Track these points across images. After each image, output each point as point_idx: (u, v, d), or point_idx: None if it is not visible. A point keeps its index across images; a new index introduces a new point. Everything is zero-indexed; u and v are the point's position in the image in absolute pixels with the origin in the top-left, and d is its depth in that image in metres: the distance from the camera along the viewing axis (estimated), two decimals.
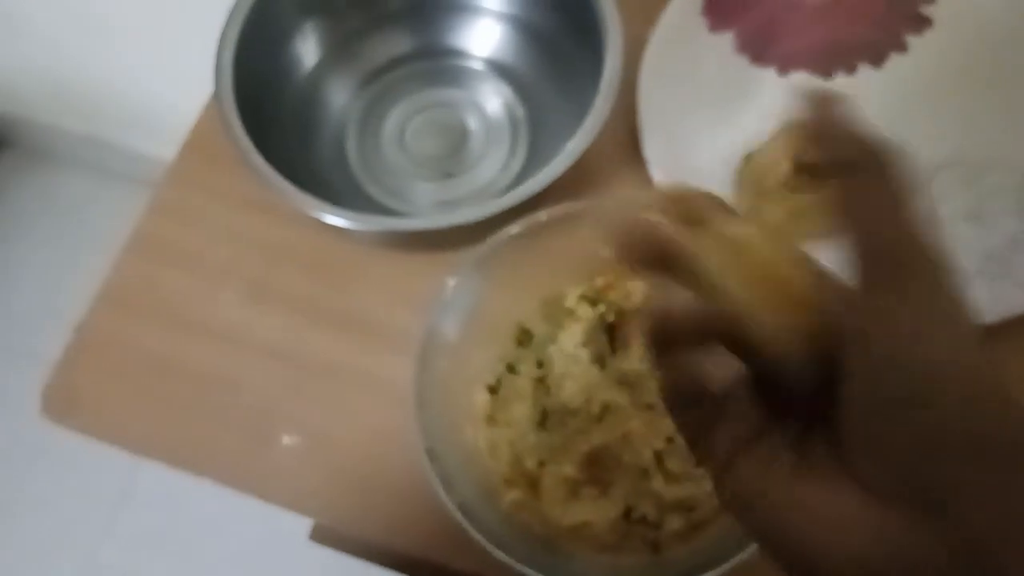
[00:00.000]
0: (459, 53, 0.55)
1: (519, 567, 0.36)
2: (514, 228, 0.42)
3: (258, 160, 0.45)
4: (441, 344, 0.41)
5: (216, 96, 0.47)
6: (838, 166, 0.22)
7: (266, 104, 0.50)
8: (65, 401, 0.50)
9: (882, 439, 0.19)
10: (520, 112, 0.53)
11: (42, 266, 1.34)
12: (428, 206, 0.52)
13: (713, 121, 0.52)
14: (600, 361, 0.43)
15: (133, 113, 1.17)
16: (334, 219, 0.44)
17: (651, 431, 0.41)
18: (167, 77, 0.97)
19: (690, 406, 0.23)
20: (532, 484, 0.42)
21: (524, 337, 0.45)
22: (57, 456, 1.18)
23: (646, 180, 0.50)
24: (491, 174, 0.53)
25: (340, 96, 0.54)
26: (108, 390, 0.50)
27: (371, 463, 0.47)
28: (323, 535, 0.61)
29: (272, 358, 0.50)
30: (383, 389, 0.48)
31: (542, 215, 0.42)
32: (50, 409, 0.50)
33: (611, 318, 0.44)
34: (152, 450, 0.48)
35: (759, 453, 0.21)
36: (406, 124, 0.54)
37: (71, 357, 0.51)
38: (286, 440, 0.48)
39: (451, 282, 0.41)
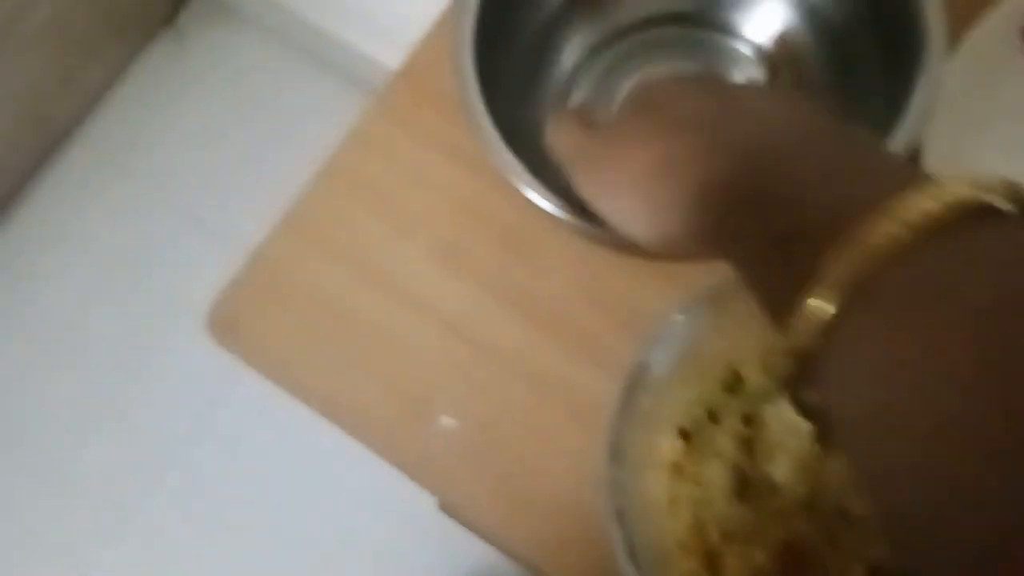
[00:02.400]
0: (725, 28, 0.48)
1: None
2: None
3: (486, 123, 0.40)
4: (646, 383, 0.36)
5: (452, 35, 0.42)
6: None
7: (500, 49, 0.45)
8: (230, 323, 0.48)
9: None
10: None
11: (204, 123, 1.34)
12: None
13: (1009, 159, 0.45)
14: (824, 440, 0.38)
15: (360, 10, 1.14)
16: (548, 206, 0.39)
17: (867, 542, 0.35)
18: None
19: None
20: (711, 559, 0.37)
21: (734, 383, 0.40)
22: None
23: None
24: None
25: (578, 50, 0.48)
26: (275, 320, 0.48)
27: (530, 470, 0.44)
28: (454, 510, 0.59)
29: (448, 330, 0.46)
30: (561, 394, 0.44)
31: None
32: (214, 327, 0.48)
33: None
34: (311, 398, 0.46)
35: None
36: None
37: (245, 278, 0.49)
38: (444, 421, 0.45)
39: (676, 318, 0.36)
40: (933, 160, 0.43)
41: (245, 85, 1.35)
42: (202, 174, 1.30)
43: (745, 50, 0.47)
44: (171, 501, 1.13)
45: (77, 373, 1.20)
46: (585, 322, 0.45)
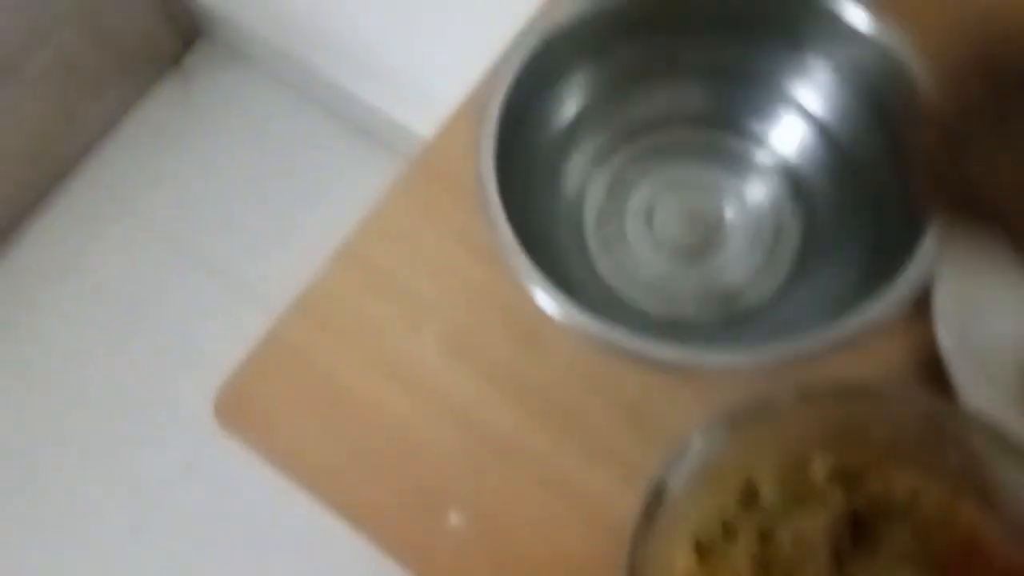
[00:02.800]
0: (743, 134, 0.48)
1: None
2: (785, 396, 0.36)
3: (503, 226, 0.41)
4: (665, 502, 0.36)
5: (476, 131, 0.42)
6: None
7: (521, 145, 0.45)
8: (238, 407, 0.48)
9: None
10: (791, 224, 0.47)
11: (211, 166, 1.34)
12: (654, 299, 0.47)
13: (1020, 286, 0.45)
14: (837, 560, 0.37)
15: (362, 59, 1.14)
16: (551, 307, 0.39)
17: None
18: (426, 52, 0.93)
19: None
20: None
21: (750, 497, 0.39)
22: None
23: (926, 333, 0.43)
24: (736, 283, 0.46)
25: (594, 148, 0.49)
26: (282, 406, 0.47)
27: (536, 573, 0.43)
28: None
29: (460, 423, 0.46)
30: (571, 497, 0.44)
31: (820, 388, 0.36)
32: (222, 414, 0.47)
33: (860, 510, 0.38)
34: (320, 488, 0.46)
35: None
36: (657, 197, 0.48)
37: (255, 361, 0.48)
38: (454, 519, 0.44)
39: (695, 438, 0.36)
40: (941, 307, 0.42)
41: (251, 130, 1.35)
42: (205, 217, 1.30)
43: (762, 157, 0.48)
44: (158, 541, 1.12)
45: (72, 410, 1.19)
46: (599, 424, 0.45)
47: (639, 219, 0.48)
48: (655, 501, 0.36)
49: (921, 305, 0.43)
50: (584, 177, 0.48)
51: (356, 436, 0.46)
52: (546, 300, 0.39)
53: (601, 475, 0.44)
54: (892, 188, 0.42)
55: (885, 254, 0.39)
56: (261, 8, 1.23)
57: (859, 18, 0.41)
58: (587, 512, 0.43)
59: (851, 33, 0.42)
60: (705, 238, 0.47)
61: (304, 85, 1.31)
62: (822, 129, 0.46)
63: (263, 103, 1.36)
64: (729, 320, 0.46)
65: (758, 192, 0.47)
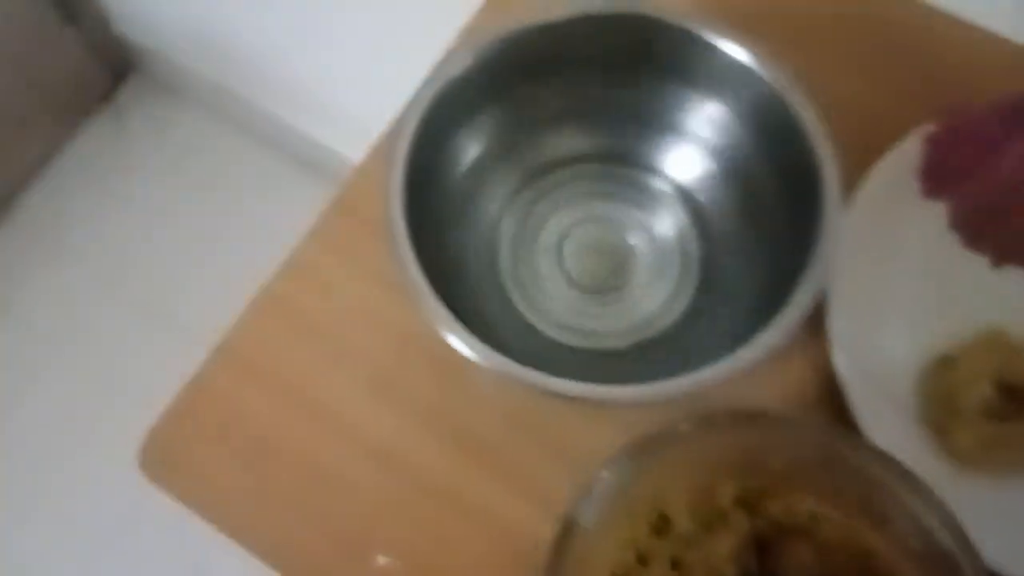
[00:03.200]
0: (642, 166, 0.50)
1: None
2: (684, 426, 0.37)
3: (413, 269, 0.41)
4: (577, 535, 0.37)
5: (386, 175, 0.43)
6: None
7: (430, 186, 0.46)
8: (162, 457, 0.48)
9: None
10: (694, 249, 0.49)
11: (147, 199, 1.33)
12: (570, 330, 0.48)
13: (912, 308, 0.47)
14: None
15: (289, 87, 1.15)
16: (464, 349, 0.40)
17: None
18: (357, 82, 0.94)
19: None
20: None
21: (662, 526, 0.41)
22: None
23: (823, 358, 0.45)
24: (647, 312, 0.48)
25: (503, 187, 0.50)
26: (206, 455, 0.48)
27: None
28: None
29: (384, 464, 0.47)
30: (497, 533, 0.45)
31: (717, 416, 0.37)
32: (147, 465, 0.47)
33: (765, 531, 0.39)
34: (237, 531, 0.46)
35: None
36: (566, 233, 0.50)
37: (178, 411, 0.48)
38: (381, 560, 0.45)
39: (603, 475, 0.37)
40: (837, 332, 0.44)
41: (186, 164, 1.35)
42: (138, 254, 1.29)
43: (665, 187, 0.49)
44: None
45: (9, 459, 1.17)
46: (522, 458, 0.46)
47: (550, 255, 0.49)
48: (565, 535, 0.37)
49: (818, 329, 0.45)
50: (496, 216, 0.50)
51: (282, 481, 0.47)
52: (458, 342, 0.40)
53: (524, 509, 0.45)
54: (782, 212, 0.44)
55: (780, 278, 0.41)
56: (191, 41, 1.23)
57: (741, 55, 0.43)
58: (512, 546, 0.44)
59: (735, 69, 0.44)
60: (614, 270, 0.49)
61: (238, 116, 1.31)
62: (717, 158, 0.48)
63: (197, 136, 1.36)
64: (642, 347, 0.48)
65: (663, 223, 0.49)
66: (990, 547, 0.34)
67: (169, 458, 0.48)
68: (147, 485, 0.47)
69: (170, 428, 0.48)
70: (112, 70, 1.39)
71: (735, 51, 0.43)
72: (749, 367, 0.39)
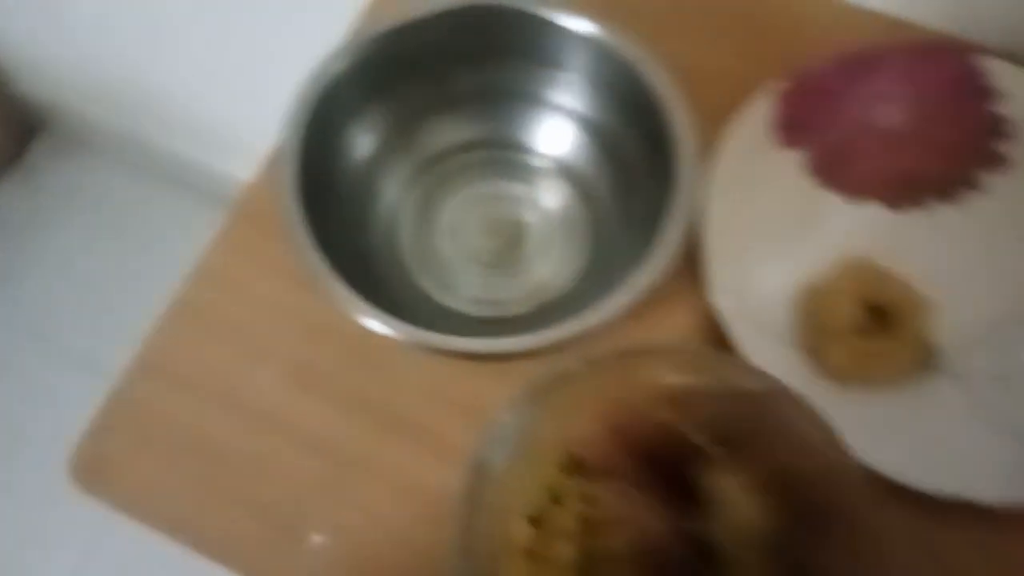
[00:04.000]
0: (523, 147, 0.54)
1: None
2: (575, 365, 0.41)
3: (313, 256, 0.44)
4: (488, 479, 0.40)
5: (278, 177, 0.46)
6: None
7: (325, 184, 0.49)
8: (93, 468, 0.49)
9: None
10: (580, 215, 0.52)
11: (65, 255, 1.33)
12: (476, 303, 0.51)
13: (777, 245, 0.51)
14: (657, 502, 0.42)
15: (195, 126, 1.17)
16: (376, 325, 0.43)
17: None
18: (239, 104, 0.96)
19: None
20: None
21: (573, 465, 0.44)
22: None
23: (704, 300, 0.49)
24: (544, 277, 0.52)
25: (397, 181, 0.53)
26: (138, 462, 0.49)
27: (398, 574, 0.46)
28: None
29: (307, 448, 0.49)
30: (420, 497, 0.47)
31: (604, 351, 0.41)
32: (78, 474, 0.49)
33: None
34: (179, 532, 0.48)
35: None
36: (462, 215, 0.53)
37: (104, 423, 0.50)
38: (315, 539, 0.47)
39: (504, 417, 0.40)
40: (714, 277, 0.48)
41: (103, 214, 1.35)
42: (62, 303, 1.29)
43: (540, 163, 0.53)
44: None
45: None
46: (438, 424, 0.49)
47: (447, 236, 0.52)
48: (474, 480, 0.39)
49: (697, 275, 0.49)
50: (394, 205, 0.53)
51: (213, 477, 0.49)
52: (368, 320, 0.42)
53: (446, 471, 0.47)
54: (649, 170, 0.48)
55: (655, 230, 0.45)
56: (96, 94, 1.24)
57: (595, 34, 0.47)
58: (437, 508, 0.47)
59: (590, 47, 0.48)
60: (510, 243, 0.52)
61: (148, 163, 1.32)
62: (586, 130, 0.52)
63: (108, 185, 1.36)
64: (544, 309, 0.51)
65: (548, 195, 0.53)
66: (867, 453, 0.38)
67: (99, 469, 0.49)
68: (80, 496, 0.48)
69: (97, 440, 0.50)
70: (19, 131, 1.39)
71: (589, 30, 0.47)
72: (628, 307, 0.42)
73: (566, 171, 0.53)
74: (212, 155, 1.20)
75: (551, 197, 0.53)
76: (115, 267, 1.30)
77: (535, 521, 0.43)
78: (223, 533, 0.48)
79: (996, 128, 0.54)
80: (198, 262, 0.53)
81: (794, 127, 0.54)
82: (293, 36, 0.75)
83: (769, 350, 0.48)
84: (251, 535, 0.47)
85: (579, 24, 0.47)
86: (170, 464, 0.49)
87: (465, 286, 0.52)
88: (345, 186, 0.51)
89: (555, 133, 0.53)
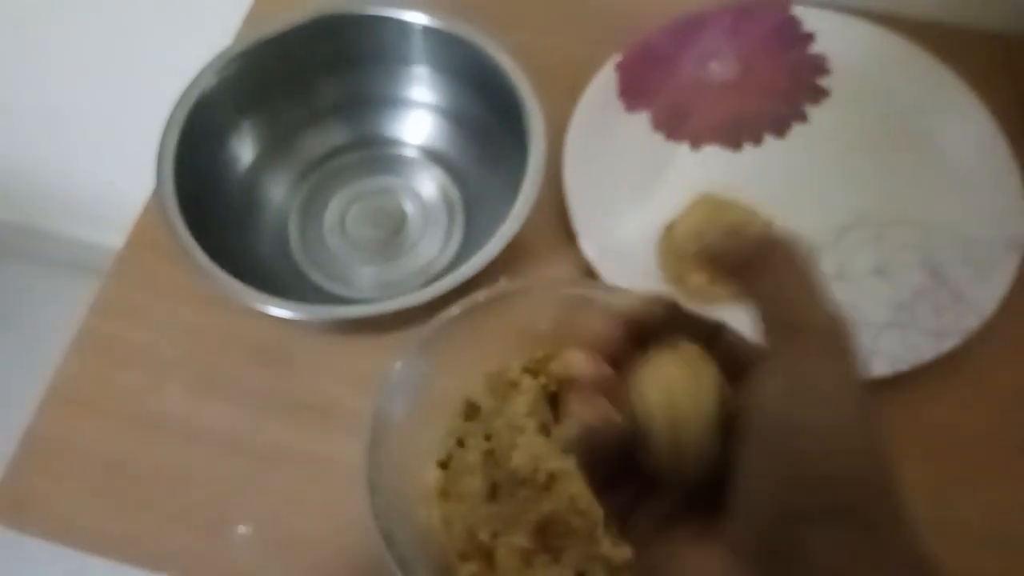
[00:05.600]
0: (393, 142, 0.58)
1: None
2: (455, 310, 0.44)
3: (201, 256, 0.47)
4: (390, 426, 0.43)
5: (157, 194, 0.48)
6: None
7: (208, 200, 0.52)
8: (18, 505, 0.50)
9: (750, 501, 0.21)
10: (455, 195, 0.56)
11: None
12: (371, 289, 0.54)
13: (636, 195, 0.56)
14: (545, 430, 0.45)
15: (70, 201, 1.18)
16: (276, 310, 0.46)
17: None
18: (110, 172, 0.98)
19: (612, 485, 0.26)
20: (487, 557, 0.43)
21: (471, 411, 0.47)
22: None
23: (577, 253, 0.53)
24: (430, 255, 0.55)
25: (280, 189, 0.56)
26: (61, 491, 0.50)
27: (327, 548, 0.48)
28: None
29: (222, 448, 0.51)
30: (336, 472, 0.49)
31: (480, 296, 0.44)
32: (4, 513, 0.49)
33: (553, 388, 0.46)
34: (105, 549, 0.48)
35: (669, 534, 0.24)
36: (346, 212, 0.56)
37: (22, 460, 0.51)
38: (241, 530, 0.49)
39: (397, 365, 0.43)
40: (581, 228, 0.53)
41: None
42: None
43: (411, 153, 0.57)
44: None
45: None
46: (340, 402, 0.51)
47: (335, 232, 0.55)
48: (379, 424, 0.42)
49: (568, 231, 0.53)
50: (281, 210, 0.56)
51: (134, 493, 0.50)
52: (274, 310, 0.45)
53: (358, 444, 0.49)
54: (507, 145, 0.52)
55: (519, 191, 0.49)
56: None
57: (434, 23, 0.52)
58: (350, 480, 0.48)
59: (443, 42, 0.52)
60: (393, 231, 0.55)
61: (40, 250, 1.32)
62: (448, 118, 0.56)
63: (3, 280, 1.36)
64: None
65: (423, 183, 0.56)
66: None
67: (22, 504, 0.50)
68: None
69: (18, 477, 0.50)
70: None
71: (431, 23, 0.52)
72: (496, 256, 0.46)
73: (435, 157, 0.57)
74: (90, 230, 1.21)
75: (425, 183, 0.57)
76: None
77: (445, 465, 0.45)
78: (153, 543, 0.49)
79: (815, 66, 0.60)
80: (96, 295, 0.55)
81: (634, 93, 0.59)
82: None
83: (637, 287, 0.52)
84: (177, 538, 0.49)
85: (421, 19, 0.52)
86: (91, 488, 0.50)
87: (356, 276, 0.55)
88: (232, 198, 0.54)
89: (418, 124, 0.57)
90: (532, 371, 0.47)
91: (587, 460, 0.25)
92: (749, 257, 0.24)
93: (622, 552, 0.42)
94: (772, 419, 0.21)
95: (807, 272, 0.23)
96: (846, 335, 0.22)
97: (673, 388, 0.24)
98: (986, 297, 0.50)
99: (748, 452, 0.22)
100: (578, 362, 0.27)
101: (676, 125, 0.59)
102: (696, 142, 0.58)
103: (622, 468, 0.25)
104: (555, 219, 0.54)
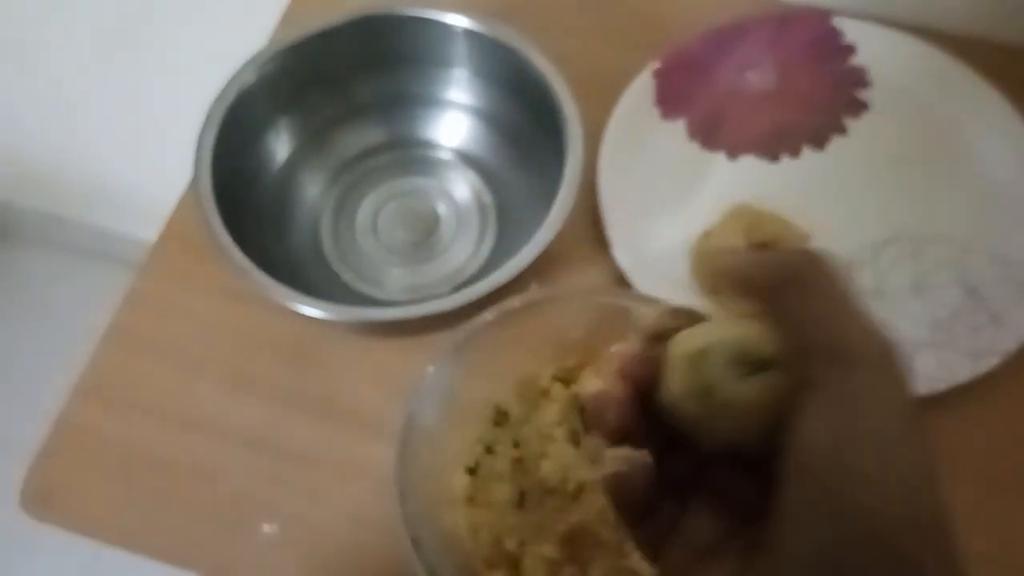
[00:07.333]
0: (428, 144, 0.57)
1: None
2: (488, 315, 0.44)
3: (236, 254, 0.47)
4: (420, 431, 0.42)
5: (195, 191, 0.48)
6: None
7: (243, 197, 0.52)
8: (44, 496, 0.50)
9: (796, 546, 0.20)
10: (488, 199, 0.56)
11: (8, 349, 1.33)
12: (401, 291, 0.54)
13: (670, 203, 0.55)
14: (575, 439, 0.45)
15: (105, 194, 1.18)
16: (310, 310, 0.46)
17: None
18: (143, 164, 0.99)
19: (643, 518, 0.25)
20: (513, 565, 0.43)
21: (501, 418, 0.47)
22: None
23: (610, 262, 0.52)
24: (462, 259, 0.55)
25: (314, 187, 0.56)
26: (87, 484, 0.50)
27: (352, 550, 0.48)
28: None
29: (250, 446, 0.51)
30: (363, 474, 0.49)
31: (514, 301, 0.44)
32: (29, 505, 0.50)
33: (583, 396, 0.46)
34: (129, 543, 0.49)
35: (710, 567, 0.23)
36: (378, 212, 0.56)
37: (49, 451, 0.51)
38: (266, 528, 0.49)
39: (429, 370, 0.43)
40: (614, 236, 0.52)
41: (26, 295, 1.35)
42: None
43: (446, 156, 0.57)
44: None
45: None
46: (368, 404, 0.51)
47: (367, 233, 0.55)
48: (409, 429, 0.42)
49: (602, 239, 0.53)
50: (314, 209, 0.56)
51: (162, 488, 0.50)
52: (306, 309, 0.45)
53: (387, 446, 0.49)
54: (543, 150, 0.52)
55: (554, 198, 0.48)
56: (15, 180, 1.25)
57: (473, 26, 0.52)
58: (376, 481, 0.49)
59: (472, 40, 0.52)
60: (426, 233, 0.55)
61: (63, 238, 1.33)
62: (484, 121, 0.56)
63: (33, 269, 1.37)
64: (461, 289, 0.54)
65: (457, 186, 0.56)
66: None
67: (51, 496, 0.50)
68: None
69: (47, 468, 0.51)
70: None
71: (471, 26, 0.52)
72: (530, 263, 0.45)
73: (469, 160, 0.57)
74: (119, 221, 1.22)
75: (459, 186, 0.56)
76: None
77: (472, 471, 0.45)
78: (176, 538, 0.49)
79: (855, 78, 0.59)
80: (128, 290, 0.55)
81: (671, 101, 0.58)
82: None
83: (670, 295, 0.51)
84: (203, 535, 0.49)
85: (462, 21, 0.52)
86: (119, 482, 0.50)
87: (387, 277, 0.55)
88: (267, 194, 0.54)
89: (454, 127, 0.57)
90: (563, 379, 0.47)
91: (618, 502, 0.25)
92: (783, 276, 0.22)
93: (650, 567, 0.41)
94: (822, 462, 0.20)
95: (847, 291, 0.22)
96: (896, 358, 0.21)
97: (695, 331, 0.24)
98: None
99: (795, 495, 0.20)
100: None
101: (712, 134, 0.58)
102: (733, 152, 0.57)
103: (653, 503, 0.25)
104: (588, 226, 0.54)
